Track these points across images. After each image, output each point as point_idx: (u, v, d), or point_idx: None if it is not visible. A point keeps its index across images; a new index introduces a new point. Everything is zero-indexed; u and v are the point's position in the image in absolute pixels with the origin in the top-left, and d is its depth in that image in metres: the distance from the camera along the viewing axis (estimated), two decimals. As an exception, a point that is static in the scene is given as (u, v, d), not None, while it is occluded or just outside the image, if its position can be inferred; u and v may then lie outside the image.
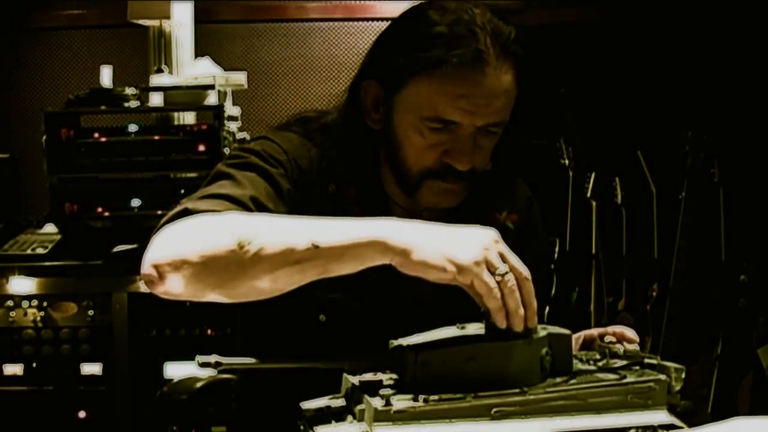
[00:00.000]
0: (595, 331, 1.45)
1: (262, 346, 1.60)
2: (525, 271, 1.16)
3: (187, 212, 1.27)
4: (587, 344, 1.45)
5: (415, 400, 1.04)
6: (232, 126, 3.30)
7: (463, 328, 1.20)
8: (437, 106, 1.38)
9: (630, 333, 1.40)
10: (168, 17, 3.50)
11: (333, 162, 1.50)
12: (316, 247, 1.17)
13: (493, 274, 1.14)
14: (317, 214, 1.30)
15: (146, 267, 1.22)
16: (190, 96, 3.37)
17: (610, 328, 1.42)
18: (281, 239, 1.18)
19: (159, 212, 3.13)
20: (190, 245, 1.20)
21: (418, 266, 1.15)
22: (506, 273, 1.14)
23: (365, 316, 1.48)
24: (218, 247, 1.18)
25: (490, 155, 1.47)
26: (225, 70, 3.48)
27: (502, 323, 1.13)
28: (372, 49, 1.51)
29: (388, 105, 1.45)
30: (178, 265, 1.19)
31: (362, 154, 1.51)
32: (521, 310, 1.14)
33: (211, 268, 1.18)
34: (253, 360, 1.17)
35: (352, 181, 1.51)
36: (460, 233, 1.17)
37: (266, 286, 1.20)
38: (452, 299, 1.27)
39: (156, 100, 3.44)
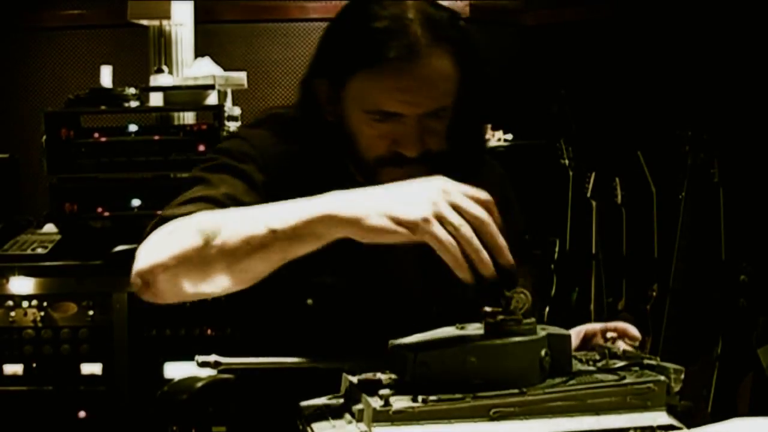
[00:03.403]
0: (597, 326, 1.45)
1: (253, 333, 1.62)
2: (482, 214, 1.15)
3: (163, 220, 1.34)
4: (588, 339, 1.45)
5: (414, 400, 1.04)
6: (232, 126, 3.30)
7: (462, 328, 1.20)
8: (377, 100, 1.42)
9: (632, 330, 1.40)
10: (168, 17, 3.51)
11: (302, 156, 1.53)
12: (273, 231, 1.20)
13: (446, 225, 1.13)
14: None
15: (132, 277, 1.32)
16: (190, 96, 3.37)
17: (612, 324, 1.42)
18: (241, 230, 1.22)
19: (159, 212, 3.13)
20: (165, 250, 1.28)
21: (371, 233, 1.16)
22: (460, 225, 1.13)
23: (353, 298, 1.49)
24: (187, 247, 1.25)
25: (448, 136, 1.49)
26: (225, 70, 3.48)
27: (464, 276, 1.11)
28: (318, 46, 1.55)
29: (338, 100, 1.48)
30: (157, 271, 1.28)
31: (327, 147, 1.53)
32: (484, 254, 1.12)
33: (185, 267, 1.26)
34: (253, 359, 1.17)
35: (322, 173, 1.52)
36: (405, 191, 1.18)
37: (238, 277, 1.25)
38: (440, 281, 1.32)
39: (156, 100, 3.44)
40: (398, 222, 1.14)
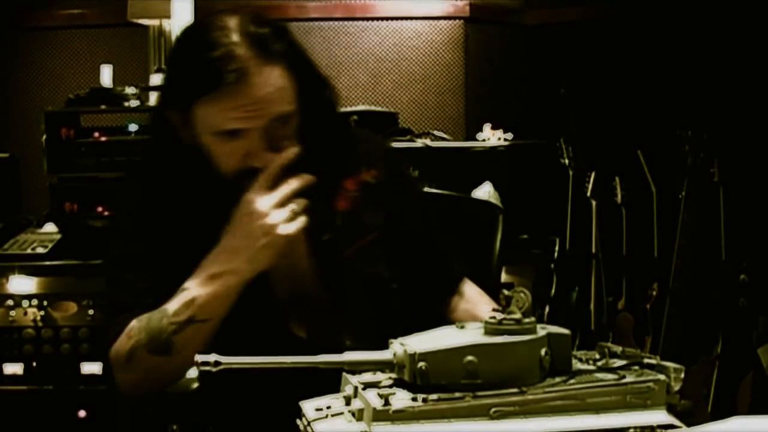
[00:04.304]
0: None
1: None
2: (286, 188, 1.50)
3: (115, 332, 1.57)
4: None
5: (414, 399, 1.04)
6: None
7: (462, 327, 1.20)
8: (219, 122, 1.51)
9: None
10: (168, 16, 3.51)
11: (172, 187, 1.62)
12: (203, 320, 1.50)
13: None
14: (186, 240, 1.55)
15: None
16: (190, 95, 3.37)
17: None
18: (183, 339, 1.49)
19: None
20: (133, 376, 1.56)
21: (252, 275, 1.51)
22: (287, 213, 1.50)
23: (254, 283, 1.56)
24: (152, 368, 1.52)
25: (302, 138, 1.58)
26: (225, 69, 3.47)
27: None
28: (163, 77, 1.65)
29: (188, 126, 1.56)
30: (136, 391, 1.61)
31: (189, 170, 1.60)
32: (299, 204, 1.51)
33: (156, 381, 1.58)
34: (253, 359, 1.17)
35: (197, 197, 1.60)
36: (237, 243, 1.51)
37: (199, 351, 1.46)
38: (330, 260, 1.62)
39: (156, 99, 3.44)
40: (263, 260, 1.50)
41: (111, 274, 1.68)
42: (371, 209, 1.69)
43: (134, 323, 1.54)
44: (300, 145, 1.56)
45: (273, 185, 1.53)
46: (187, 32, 1.61)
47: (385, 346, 1.17)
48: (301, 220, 1.51)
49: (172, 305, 1.51)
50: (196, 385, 1.92)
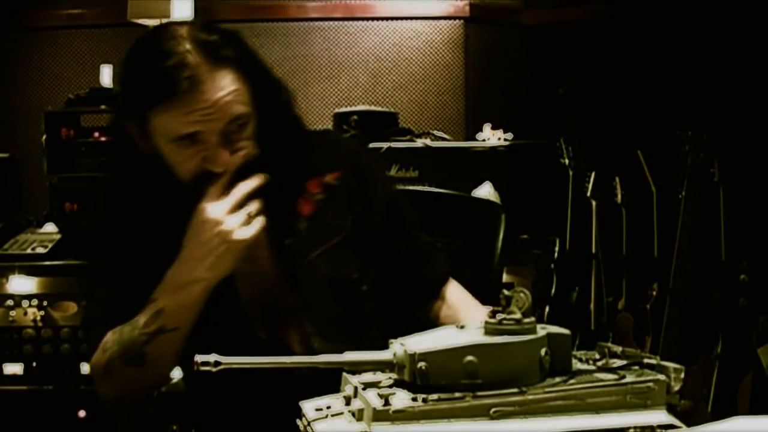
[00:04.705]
0: None
1: None
2: (240, 190, 1.52)
3: (91, 345, 1.62)
4: None
5: (414, 399, 1.04)
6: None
7: (462, 327, 1.20)
8: (174, 127, 1.52)
9: None
10: (168, 17, 3.50)
11: (137, 197, 1.64)
12: (172, 329, 1.53)
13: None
14: (154, 250, 1.57)
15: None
16: (190, 95, 3.37)
17: None
18: (154, 349, 1.54)
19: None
20: (112, 389, 1.62)
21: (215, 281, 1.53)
22: (242, 218, 1.51)
23: (220, 289, 1.57)
24: (126, 382, 1.58)
25: (261, 140, 1.59)
26: (225, 69, 3.47)
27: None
28: (118, 88, 1.66)
29: (147, 136, 1.57)
30: (117, 402, 1.66)
31: (151, 178, 1.61)
32: (253, 206, 1.52)
33: (132, 387, 1.61)
34: (253, 359, 1.17)
35: (165, 205, 1.61)
36: (197, 249, 1.52)
37: (170, 365, 1.61)
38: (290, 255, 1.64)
39: (156, 99, 3.43)
40: (224, 266, 1.52)
41: (86, 288, 1.72)
42: (336, 211, 1.70)
43: (108, 336, 1.58)
44: (258, 149, 1.58)
45: (227, 191, 1.54)
46: (139, 44, 1.61)
47: (355, 347, 1.17)
48: (259, 222, 1.54)
49: (142, 317, 1.54)
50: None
